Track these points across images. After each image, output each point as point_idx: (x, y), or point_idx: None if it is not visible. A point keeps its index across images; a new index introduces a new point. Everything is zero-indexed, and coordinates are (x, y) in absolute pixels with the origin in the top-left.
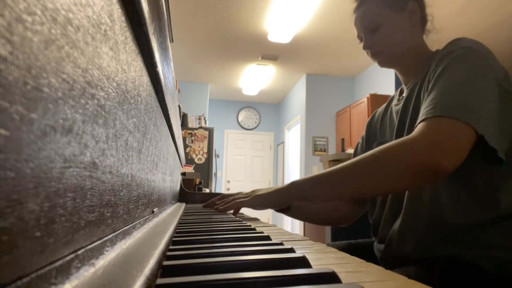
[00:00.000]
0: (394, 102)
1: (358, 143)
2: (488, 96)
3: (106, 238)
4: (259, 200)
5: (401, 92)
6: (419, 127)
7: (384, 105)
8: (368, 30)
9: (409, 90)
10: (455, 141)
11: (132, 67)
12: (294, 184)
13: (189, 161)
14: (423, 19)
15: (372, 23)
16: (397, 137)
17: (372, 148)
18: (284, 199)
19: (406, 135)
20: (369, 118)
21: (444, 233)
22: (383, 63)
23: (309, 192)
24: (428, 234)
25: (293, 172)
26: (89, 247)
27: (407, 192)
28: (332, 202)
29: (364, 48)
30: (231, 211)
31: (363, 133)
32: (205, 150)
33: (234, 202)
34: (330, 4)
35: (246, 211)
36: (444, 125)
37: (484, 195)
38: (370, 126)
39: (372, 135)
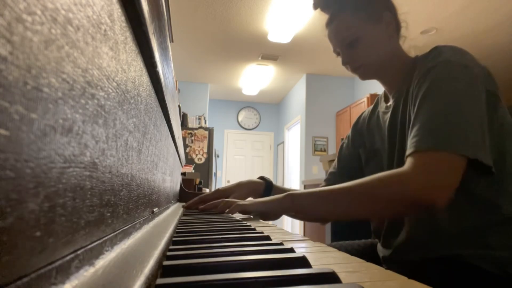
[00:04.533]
0: (382, 109)
1: (343, 143)
2: (478, 114)
3: (106, 238)
4: (259, 207)
5: (386, 97)
6: (411, 161)
7: (369, 109)
8: (345, 45)
9: (395, 100)
10: (450, 176)
11: (132, 67)
12: (291, 196)
13: (189, 161)
14: (398, 26)
15: (348, 37)
16: (390, 148)
17: (358, 152)
18: (281, 209)
19: (398, 148)
20: (355, 121)
21: (446, 237)
22: (365, 76)
23: (304, 207)
24: (431, 241)
25: (293, 172)
26: (89, 247)
27: None
28: None
29: (343, 63)
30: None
31: (349, 133)
32: (205, 150)
33: (237, 205)
34: None
35: None
36: (437, 159)
37: (484, 202)
38: (355, 128)
39: (359, 138)
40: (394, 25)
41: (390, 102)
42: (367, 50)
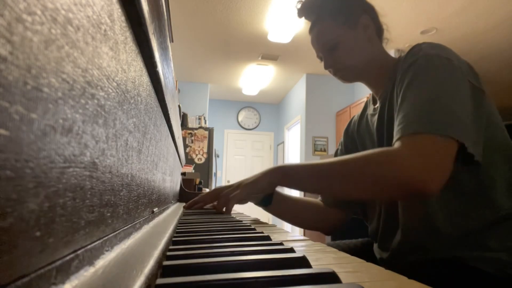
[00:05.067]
0: (370, 111)
1: (337, 149)
2: (461, 101)
3: (106, 238)
4: (250, 188)
5: (374, 100)
6: (400, 144)
7: (359, 113)
8: (326, 50)
9: (381, 101)
10: (441, 159)
11: (132, 67)
12: (281, 169)
13: (189, 161)
14: (379, 30)
15: (328, 42)
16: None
17: None
18: (270, 183)
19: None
20: (346, 126)
21: (443, 238)
22: (347, 79)
23: (295, 180)
24: (428, 242)
25: None
26: (89, 247)
27: (399, 208)
28: (316, 206)
29: (326, 67)
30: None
31: (342, 139)
32: (205, 150)
33: (231, 198)
34: None
35: (246, 210)
36: (427, 141)
37: (478, 199)
38: (347, 133)
39: (351, 142)
40: (374, 28)
41: (377, 104)
42: (346, 54)
